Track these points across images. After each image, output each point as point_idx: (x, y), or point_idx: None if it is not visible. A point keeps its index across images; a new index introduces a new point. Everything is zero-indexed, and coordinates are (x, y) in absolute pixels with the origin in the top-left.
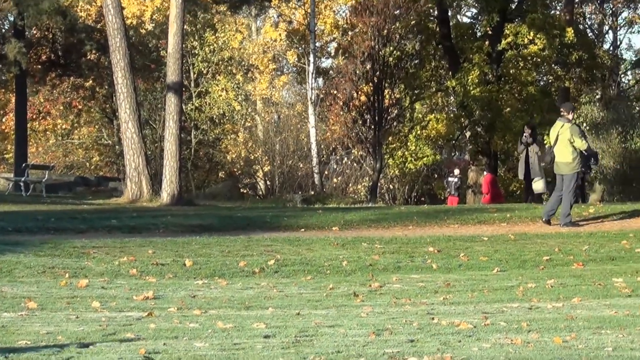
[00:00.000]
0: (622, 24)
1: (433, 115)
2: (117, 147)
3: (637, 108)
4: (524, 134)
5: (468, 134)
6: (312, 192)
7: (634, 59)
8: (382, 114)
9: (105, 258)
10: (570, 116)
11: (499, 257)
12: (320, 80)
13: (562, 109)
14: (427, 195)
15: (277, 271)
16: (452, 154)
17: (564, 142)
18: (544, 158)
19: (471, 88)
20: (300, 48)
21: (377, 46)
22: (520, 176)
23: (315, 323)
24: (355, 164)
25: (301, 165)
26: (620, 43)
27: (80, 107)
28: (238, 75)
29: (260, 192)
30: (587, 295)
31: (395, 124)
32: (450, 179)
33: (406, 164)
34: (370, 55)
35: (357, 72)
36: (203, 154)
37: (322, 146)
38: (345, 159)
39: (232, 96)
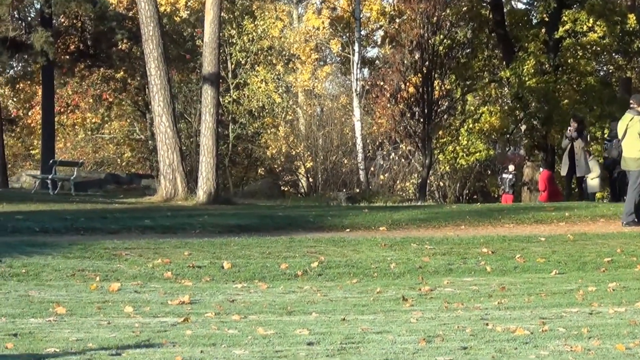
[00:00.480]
0: None
1: (486, 107)
2: (150, 142)
3: None
4: (570, 128)
5: (523, 127)
6: (358, 190)
7: None
8: (432, 106)
9: (138, 260)
10: None
11: (557, 259)
12: (366, 71)
13: (631, 101)
14: (480, 193)
15: (321, 274)
16: (507, 149)
17: (633, 135)
18: (610, 152)
19: (527, 78)
20: (344, 37)
21: (426, 34)
22: (563, 173)
23: (361, 329)
24: (403, 160)
25: (345, 162)
26: None
27: (111, 99)
28: (278, 65)
29: (303, 190)
30: None
31: (445, 117)
32: (504, 175)
33: (457, 160)
34: (419, 44)
35: (405, 62)
36: (241, 150)
37: (367, 141)
38: (393, 154)
39: (272, 88)
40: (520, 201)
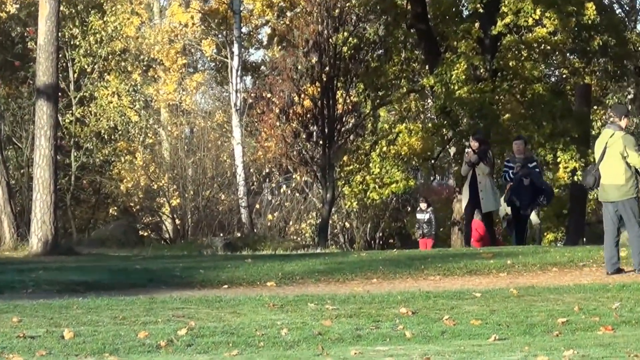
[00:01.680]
0: None
1: (404, 125)
2: None
3: None
4: (468, 150)
5: (453, 150)
6: (239, 234)
7: None
8: (334, 124)
9: None
10: (623, 123)
11: (497, 320)
12: (249, 80)
13: (611, 113)
14: (398, 236)
15: (191, 344)
16: (431, 179)
17: (614, 156)
18: (585, 179)
19: (456, 87)
20: (220, 36)
21: (326, 32)
22: (462, 209)
23: None
24: (297, 194)
25: (223, 197)
26: None
27: None
28: (135, 74)
29: (167, 235)
30: None
31: (352, 138)
32: (418, 215)
33: (368, 193)
34: (316, 44)
35: (299, 67)
36: (87, 184)
37: (251, 170)
38: (284, 187)
39: (127, 103)
40: (449, 246)
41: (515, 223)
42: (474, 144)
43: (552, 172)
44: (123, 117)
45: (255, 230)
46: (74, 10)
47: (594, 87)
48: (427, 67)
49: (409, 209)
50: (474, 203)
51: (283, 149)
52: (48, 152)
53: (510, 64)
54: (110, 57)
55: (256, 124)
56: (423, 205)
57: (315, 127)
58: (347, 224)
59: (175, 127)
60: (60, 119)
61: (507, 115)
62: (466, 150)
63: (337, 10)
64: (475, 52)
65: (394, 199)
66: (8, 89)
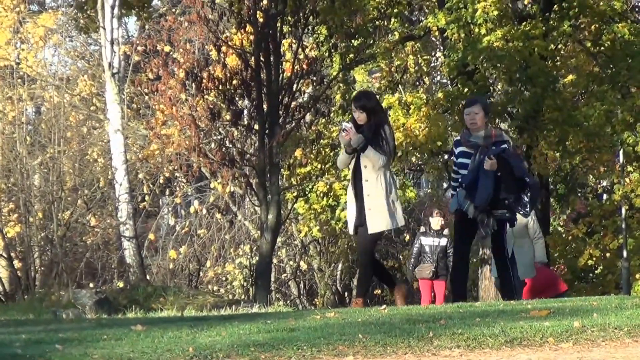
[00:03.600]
0: None
1: (397, 96)
2: None
3: None
4: (344, 125)
5: None
6: (121, 284)
7: None
8: (279, 96)
9: None
10: None
11: None
12: (132, 23)
13: None
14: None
15: None
16: (444, 187)
17: None
18: None
19: (483, 30)
20: None
21: None
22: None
23: None
24: (219, 216)
25: (93, 222)
26: None
27: None
28: None
29: (0, 287)
30: None
31: (308, 118)
32: (425, 240)
33: (338, 212)
34: None
35: (218, 1)
36: None
37: (140, 175)
38: (195, 203)
39: None
40: (476, 297)
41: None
42: (359, 115)
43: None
44: None
45: (148, 278)
46: None
47: None
48: None
49: (407, 237)
50: (358, 221)
51: (193, 140)
52: None
53: None
54: None
55: (147, 97)
56: (435, 223)
57: (246, 102)
58: (304, 264)
59: (9, 104)
60: None
61: (570, 77)
62: (342, 125)
63: None
64: None
65: None
66: None
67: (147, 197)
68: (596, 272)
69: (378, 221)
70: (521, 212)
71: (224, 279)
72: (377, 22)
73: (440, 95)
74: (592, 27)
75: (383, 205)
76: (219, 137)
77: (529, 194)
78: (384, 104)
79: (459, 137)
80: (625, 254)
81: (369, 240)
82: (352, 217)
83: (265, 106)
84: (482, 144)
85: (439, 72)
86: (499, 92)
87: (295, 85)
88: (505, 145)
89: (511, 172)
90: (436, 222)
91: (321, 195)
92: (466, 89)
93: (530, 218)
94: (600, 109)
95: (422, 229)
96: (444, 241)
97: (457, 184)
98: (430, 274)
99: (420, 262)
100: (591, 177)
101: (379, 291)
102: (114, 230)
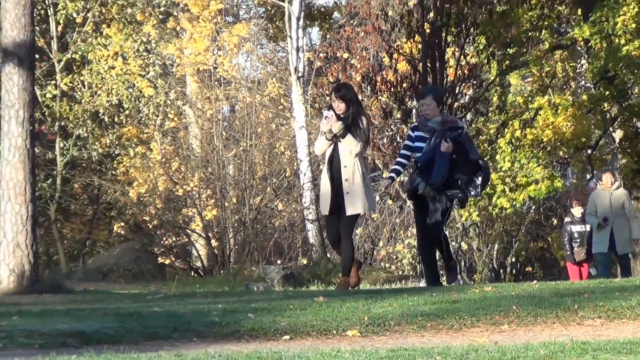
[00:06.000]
0: None
1: (546, 98)
2: None
3: None
4: (326, 113)
5: (618, 134)
6: (305, 261)
7: None
8: (444, 98)
9: None
10: None
11: None
12: (315, 33)
13: None
14: (538, 261)
15: None
16: (588, 177)
17: None
18: None
19: (623, 41)
20: None
21: None
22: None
23: None
24: (390, 202)
25: (281, 207)
26: None
27: None
28: (147, 25)
29: (199, 264)
30: None
31: (469, 117)
32: (571, 228)
33: (494, 200)
34: None
35: (390, 13)
36: (81, 189)
37: (320, 165)
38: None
39: (136, 68)
40: (616, 274)
41: (425, 234)
42: (339, 105)
43: None
44: (131, 90)
45: (329, 255)
46: None
47: None
48: (579, 11)
49: (555, 221)
50: (334, 203)
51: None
52: (21, 143)
53: None
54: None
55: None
56: (577, 212)
57: (415, 102)
58: (464, 245)
59: (208, 103)
60: (38, 92)
61: None
62: (324, 113)
63: None
64: None
65: (533, 207)
66: None
67: None
68: None
69: (356, 204)
70: (472, 193)
71: (394, 257)
72: (530, 33)
73: (584, 97)
74: None
75: (360, 189)
76: (390, 133)
77: (480, 176)
78: (535, 105)
79: (416, 123)
80: None
81: (348, 222)
82: (326, 201)
83: None
84: (438, 129)
85: (583, 77)
86: (637, 95)
87: (457, 88)
88: (460, 131)
89: (466, 155)
90: (577, 211)
91: None
92: (607, 92)
93: (627, 198)
94: None
95: (567, 218)
96: (588, 227)
97: (401, 166)
98: (585, 256)
99: (572, 247)
100: None
101: (530, 268)
102: (299, 214)
